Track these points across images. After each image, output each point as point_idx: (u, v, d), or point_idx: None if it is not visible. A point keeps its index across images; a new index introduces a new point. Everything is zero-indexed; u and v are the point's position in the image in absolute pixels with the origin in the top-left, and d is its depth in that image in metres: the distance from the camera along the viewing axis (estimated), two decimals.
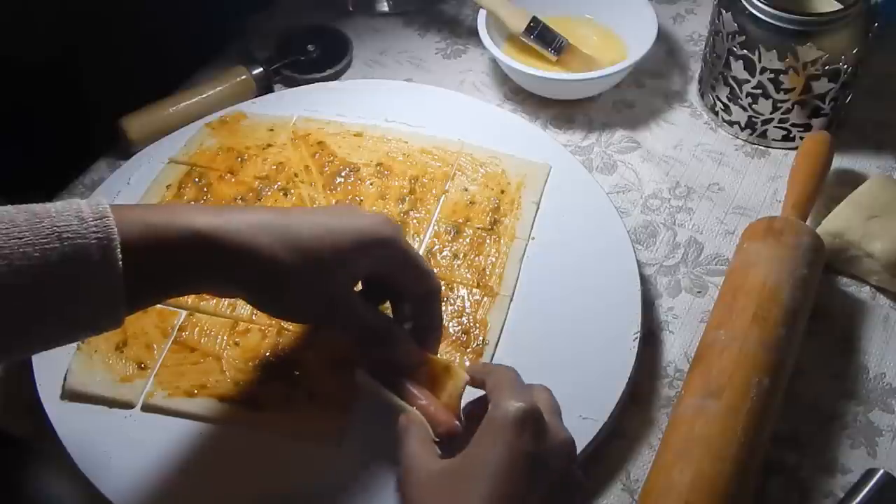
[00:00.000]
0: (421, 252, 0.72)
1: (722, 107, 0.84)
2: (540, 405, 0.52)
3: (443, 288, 0.69)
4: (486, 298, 0.69)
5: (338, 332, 0.61)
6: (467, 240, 0.73)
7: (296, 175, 0.77)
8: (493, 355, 0.66)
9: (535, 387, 0.55)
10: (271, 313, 0.59)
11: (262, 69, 0.87)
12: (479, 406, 0.55)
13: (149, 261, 0.49)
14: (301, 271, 0.53)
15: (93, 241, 0.47)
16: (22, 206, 0.48)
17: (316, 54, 0.91)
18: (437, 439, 0.55)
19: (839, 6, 0.79)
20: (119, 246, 0.48)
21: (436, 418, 0.56)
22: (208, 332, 0.66)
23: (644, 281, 0.72)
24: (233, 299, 0.67)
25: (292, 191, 0.75)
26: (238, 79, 0.86)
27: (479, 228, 0.73)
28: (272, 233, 0.52)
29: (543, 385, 0.56)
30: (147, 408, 0.63)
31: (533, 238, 0.73)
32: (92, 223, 0.47)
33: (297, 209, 0.62)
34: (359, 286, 0.59)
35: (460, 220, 0.74)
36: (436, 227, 0.73)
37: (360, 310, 0.57)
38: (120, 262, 0.47)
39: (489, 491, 0.48)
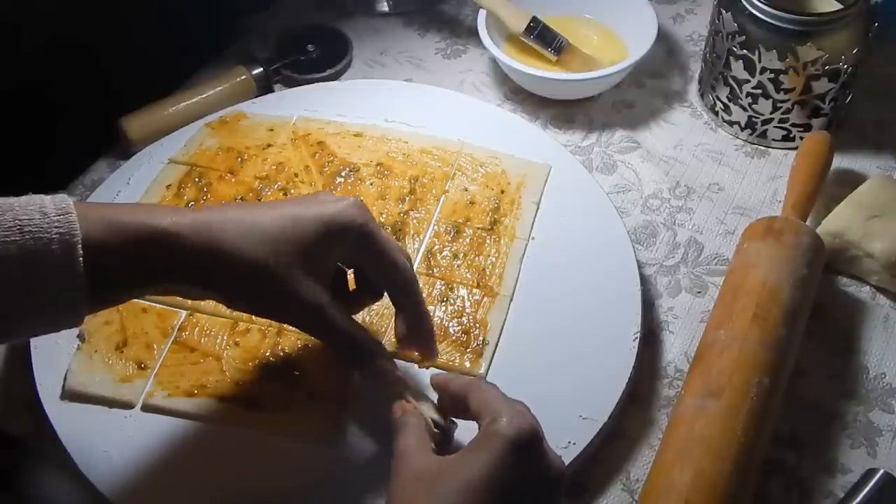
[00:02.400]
0: (421, 252, 0.72)
1: (722, 107, 0.84)
2: (537, 425, 0.52)
3: (442, 288, 0.69)
4: (486, 298, 0.69)
5: (311, 334, 0.60)
6: (467, 240, 0.73)
7: (296, 175, 0.77)
8: (493, 355, 0.66)
9: (519, 404, 0.53)
10: (244, 311, 0.59)
11: (262, 69, 0.87)
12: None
13: (111, 259, 0.49)
14: (266, 265, 0.52)
15: (54, 237, 0.47)
16: None
17: (316, 54, 0.91)
18: (437, 430, 0.55)
19: (839, 6, 0.79)
20: (80, 242, 0.47)
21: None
22: (208, 332, 0.66)
23: (644, 281, 0.72)
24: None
25: (292, 191, 0.75)
26: (238, 79, 0.86)
27: (479, 228, 0.73)
28: (237, 229, 0.52)
29: (523, 402, 0.54)
30: (147, 408, 0.63)
31: (533, 238, 0.73)
32: (55, 218, 0.47)
33: (265, 203, 0.61)
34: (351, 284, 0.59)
35: (460, 220, 0.74)
36: (436, 227, 0.73)
37: (330, 313, 0.55)
38: (81, 259, 0.47)
39: (470, 499, 0.48)
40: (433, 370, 0.65)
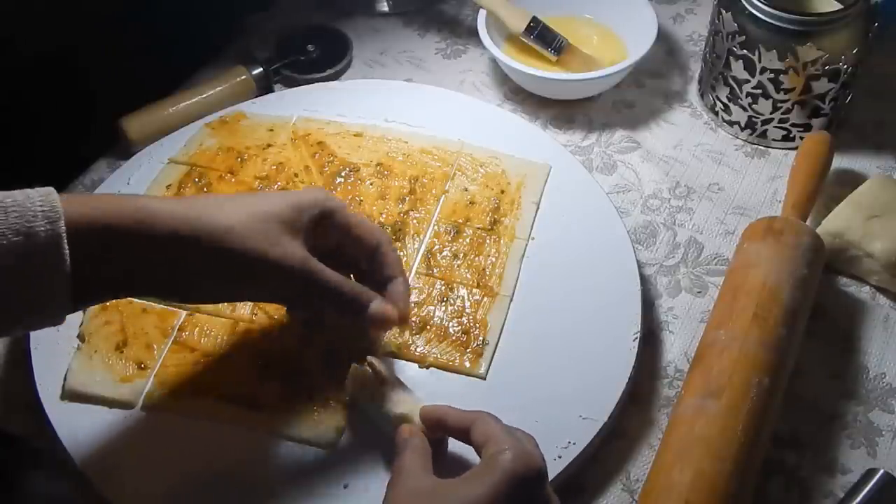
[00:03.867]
0: (421, 252, 0.72)
1: (722, 107, 0.84)
2: (543, 465, 0.52)
3: (442, 288, 0.69)
4: (486, 298, 0.69)
5: (307, 305, 0.61)
6: (467, 240, 0.73)
7: (296, 175, 0.77)
8: (493, 355, 0.66)
9: (527, 439, 0.53)
10: (225, 292, 0.58)
11: (262, 69, 0.87)
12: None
13: (92, 241, 0.50)
14: (253, 232, 0.54)
15: (39, 215, 0.48)
16: None
17: (316, 54, 0.91)
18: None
19: (839, 6, 0.79)
20: (64, 223, 0.48)
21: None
22: (208, 332, 0.66)
23: (644, 281, 0.72)
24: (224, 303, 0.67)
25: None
26: (238, 79, 0.86)
27: (479, 228, 0.73)
28: (221, 208, 0.54)
29: (529, 434, 0.54)
30: (147, 408, 0.63)
31: (533, 238, 0.73)
32: (38, 203, 0.48)
33: (236, 194, 0.64)
34: None
35: (460, 220, 0.74)
36: (436, 227, 0.73)
37: (312, 264, 0.56)
38: (66, 243, 0.48)
39: None
40: (434, 371, 0.65)
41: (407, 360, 0.66)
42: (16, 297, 0.49)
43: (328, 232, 0.59)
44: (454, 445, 0.59)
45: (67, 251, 0.48)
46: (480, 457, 0.52)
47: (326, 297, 0.57)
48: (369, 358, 0.60)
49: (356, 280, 0.61)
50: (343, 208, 0.59)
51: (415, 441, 0.55)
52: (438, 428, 0.57)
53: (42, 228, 0.48)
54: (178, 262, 0.53)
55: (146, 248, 0.52)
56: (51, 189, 0.50)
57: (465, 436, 0.54)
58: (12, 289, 0.48)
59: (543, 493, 0.52)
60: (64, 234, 0.48)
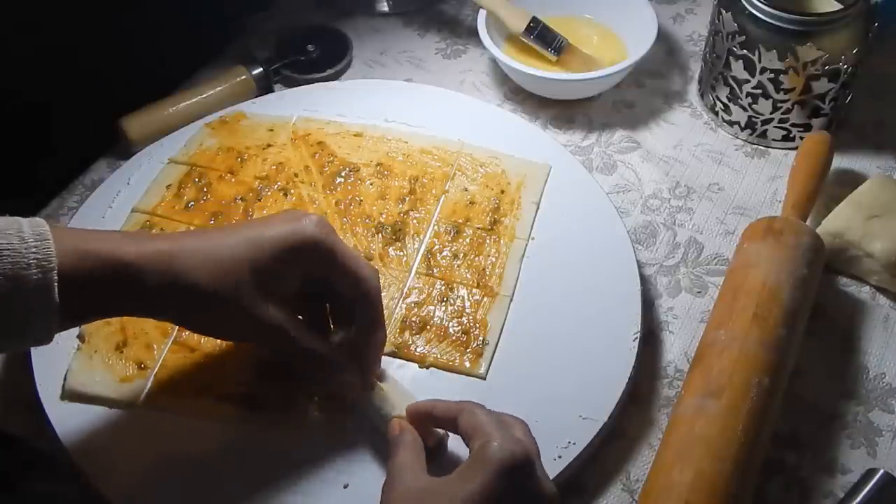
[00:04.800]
0: (421, 252, 0.72)
1: (722, 107, 0.84)
2: (531, 450, 0.52)
3: (442, 288, 0.69)
4: (486, 298, 0.69)
5: (275, 354, 0.62)
6: (467, 240, 0.72)
7: (296, 175, 0.77)
8: (493, 355, 0.66)
9: (515, 424, 0.54)
10: (204, 334, 0.61)
11: (262, 69, 0.87)
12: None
13: (79, 286, 0.50)
14: (222, 294, 0.53)
15: (32, 262, 0.48)
16: None
17: (316, 54, 0.91)
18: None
19: (839, 6, 0.79)
20: (56, 269, 0.49)
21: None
22: None
23: (644, 281, 0.72)
24: None
25: (292, 191, 0.75)
26: (238, 79, 0.86)
27: (478, 228, 0.73)
28: (192, 260, 0.53)
29: (519, 418, 0.55)
30: (147, 408, 0.63)
31: (533, 238, 0.73)
32: (32, 244, 0.49)
33: (228, 226, 0.62)
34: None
35: (460, 221, 0.74)
36: (436, 227, 0.73)
37: (292, 332, 0.56)
38: (56, 285, 0.49)
39: None
40: (434, 371, 0.65)
41: (407, 360, 0.66)
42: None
43: (320, 266, 0.57)
44: (456, 445, 0.59)
45: (57, 297, 0.49)
46: (469, 449, 0.52)
47: (298, 359, 0.59)
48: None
49: (338, 312, 0.61)
50: (337, 245, 0.57)
51: (406, 437, 0.56)
52: (427, 421, 0.57)
53: (35, 276, 0.48)
54: (155, 315, 0.55)
55: (131, 298, 0.53)
56: (44, 229, 0.50)
57: (453, 427, 0.55)
58: None
59: (535, 475, 0.52)
60: (56, 284, 0.49)
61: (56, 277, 0.49)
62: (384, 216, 0.74)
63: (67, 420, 0.62)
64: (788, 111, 0.81)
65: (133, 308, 0.55)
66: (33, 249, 0.49)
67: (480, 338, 0.67)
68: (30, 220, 0.51)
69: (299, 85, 0.87)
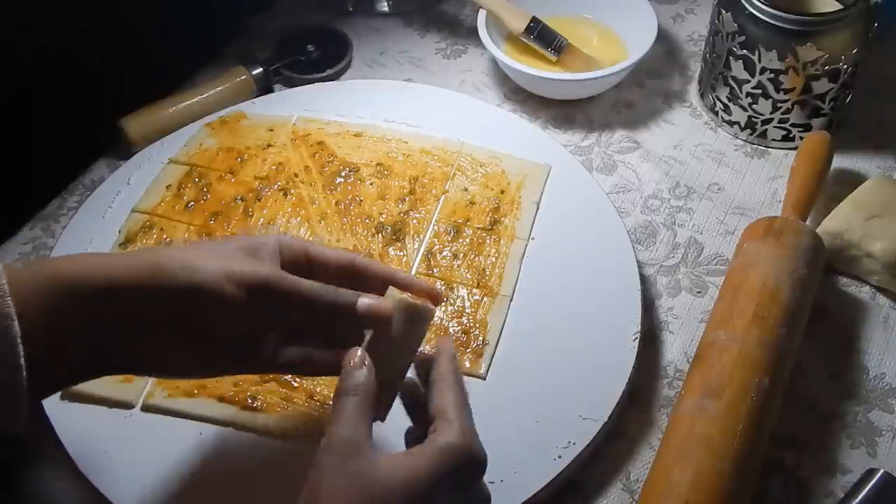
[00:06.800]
0: (421, 252, 0.72)
1: (722, 107, 0.84)
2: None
3: (442, 288, 0.69)
4: (486, 298, 0.69)
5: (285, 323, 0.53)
6: (467, 240, 0.73)
7: (296, 175, 0.77)
8: (493, 355, 0.66)
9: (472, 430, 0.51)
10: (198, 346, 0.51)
11: (262, 69, 0.87)
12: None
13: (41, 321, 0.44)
14: (217, 258, 0.49)
15: None
16: None
17: (316, 54, 0.91)
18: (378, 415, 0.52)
19: (839, 6, 0.79)
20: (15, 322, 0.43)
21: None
22: None
23: (644, 281, 0.72)
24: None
25: (292, 191, 0.76)
26: (238, 79, 0.86)
27: (478, 228, 0.73)
28: (173, 252, 0.49)
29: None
30: (147, 408, 0.63)
31: (533, 238, 0.73)
32: None
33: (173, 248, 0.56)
34: None
35: (460, 221, 0.74)
36: (436, 228, 0.73)
37: (280, 276, 0.50)
38: (20, 346, 0.43)
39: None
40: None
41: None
42: None
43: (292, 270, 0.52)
44: None
45: (22, 356, 0.43)
46: (429, 429, 0.50)
47: (306, 304, 0.51)
48: None
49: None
50: (282, 281, 0.51)
51: (359, 383, 0.49)
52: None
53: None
54: (141, 323, 0.48)
55: (111, 313, 0.47)
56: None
57: (428, 394, 0.52)
58: None
59: (477, 477, 0.51)
60: (19, 338, 0.43)
61: (18, 330, 0.43)
62: (384, 216, 0.74)
63: (67, 420, 0.62)
64: (788, 111, 0.81)
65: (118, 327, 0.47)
66: None
67: (480, 338, 0.67)
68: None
69: (299, 85, 0.87)
